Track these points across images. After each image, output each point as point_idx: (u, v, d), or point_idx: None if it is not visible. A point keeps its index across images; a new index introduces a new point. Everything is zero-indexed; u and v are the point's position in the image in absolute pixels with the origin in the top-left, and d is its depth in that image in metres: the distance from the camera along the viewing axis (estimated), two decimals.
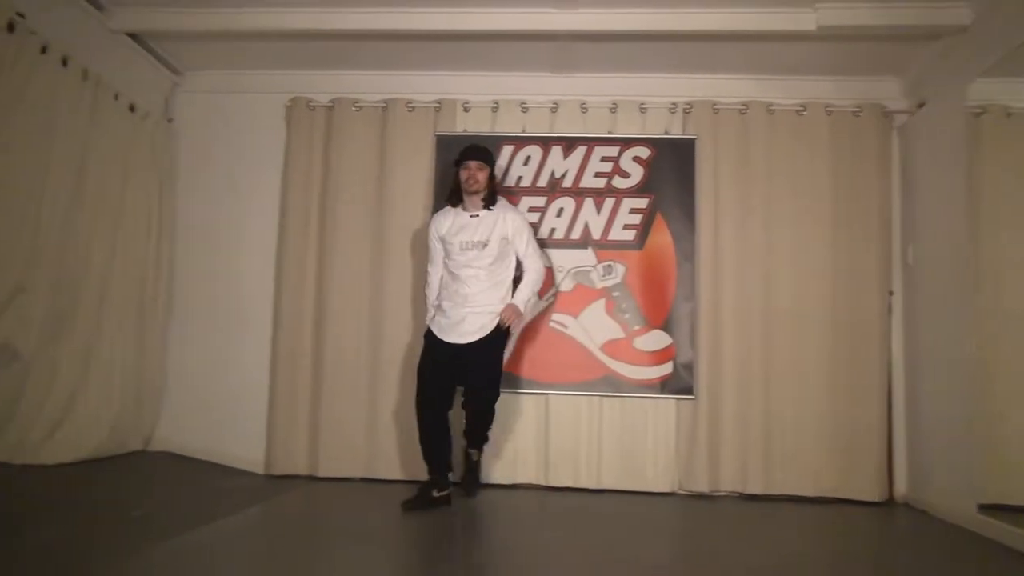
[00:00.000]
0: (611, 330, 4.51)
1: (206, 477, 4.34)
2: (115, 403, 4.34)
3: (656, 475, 4.43)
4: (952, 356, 3.90)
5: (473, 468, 4.17)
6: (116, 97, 4.34)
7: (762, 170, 4.55)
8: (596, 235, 4.58)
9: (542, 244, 4.52)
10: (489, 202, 3.97)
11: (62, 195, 3.93)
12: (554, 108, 4.70)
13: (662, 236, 4.56)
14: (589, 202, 4.61)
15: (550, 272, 4.51)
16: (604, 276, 4.56)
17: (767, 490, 4.34)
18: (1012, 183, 3.74)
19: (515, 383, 4.48)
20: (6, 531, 2.75)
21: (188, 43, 4.63)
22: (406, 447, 4.41)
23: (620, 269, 4.56)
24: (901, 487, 4.40)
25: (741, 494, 4.38)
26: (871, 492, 4.28)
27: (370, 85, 4.81)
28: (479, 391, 3.92)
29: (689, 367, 4.45)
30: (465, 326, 3.86)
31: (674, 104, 4.66)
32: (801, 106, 4.59)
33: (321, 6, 4.19)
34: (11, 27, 3.53)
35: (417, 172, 4.66)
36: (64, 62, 3.90)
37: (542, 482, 4.44)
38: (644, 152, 4.62)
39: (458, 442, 4.12)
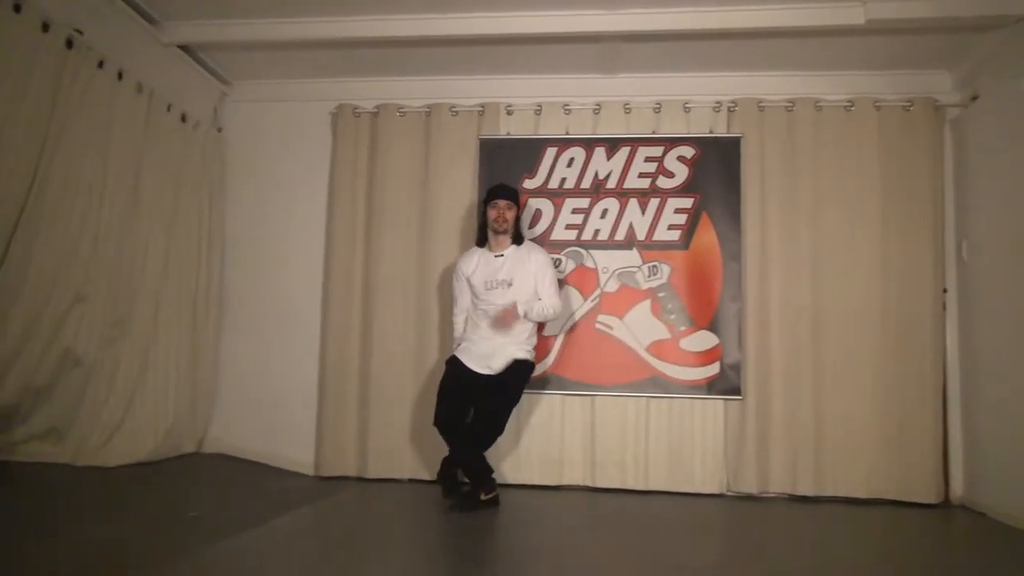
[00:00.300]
0: (657, 331, 4.49)
1: (258, 478, 4.43)
2: (170, 407, 4.46)
3: (704, 476, 4.39)
4: (1010, 354, 3.81)
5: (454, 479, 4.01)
6: (168, 108, 4.45)
7: (809, 167, 4.49)
8: (641, 236, 4.56)
9: (587, 246, 4.54)
10: (516, 241, 4.04)
11: (119, 205, 4.05)
12: (597, 109, 4.69)
13: (707, 236, 4.52)
14: (633, 203, 4.59)
15: (593, 274, 4.50)
16: (649, 277, 4.54)
17: (818, 491, 4.28)
18: None
19: (561, 384, 4.49)
20: (70, 530, 2.85)
21: (236, 54, 4.73)
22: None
23: (665, 269, 4.53)
24: (958, 488, 4.30)
25: (791, 495, 4.32)
26: (926, 494, 4.19)
27: (414, 90, 4.87)
28: (494, 415, 3.91)
29: (736, 367, 4.41)
30: (495, 359, 3.93)
31: (718, 103, 4.62)
32: (849, 102, 4.51)
33: (366, 14, 4.24)
34: (70, 43, 3.64)
35: (461, 176, 4.69)
36: (120, 76, 4.02)
37: (589, 483, 4.44)
38: (689, 152, 4.59)
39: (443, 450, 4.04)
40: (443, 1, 4.10)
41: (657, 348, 4.48)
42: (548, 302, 3.99)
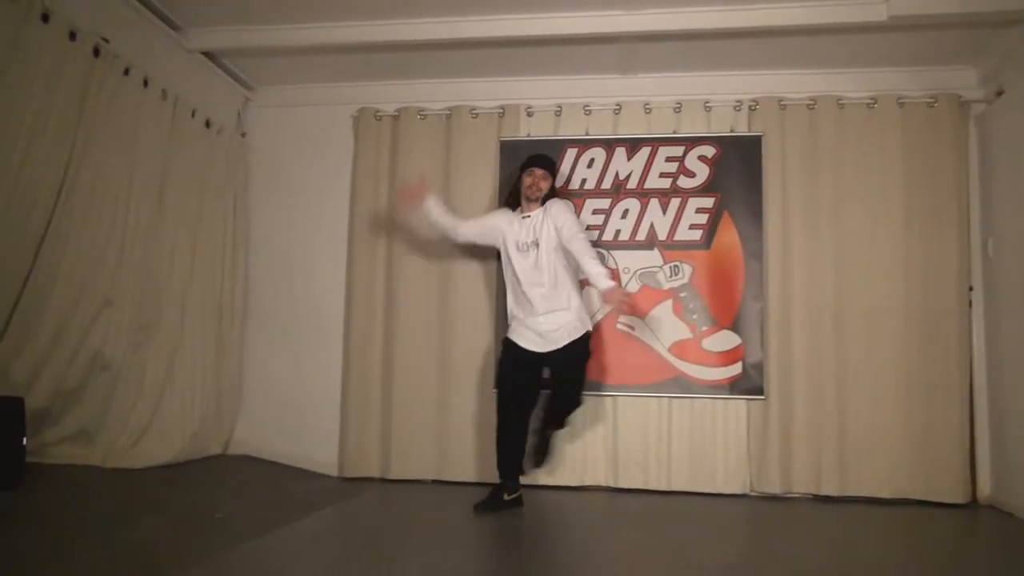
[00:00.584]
0: (679, 331, 4.48)
1: (282, 480, 4.47)
2: (197, 409, 4.51)
3: (727, 476, 4.38)
4: None
5: (545, 443, 4.02)
6: (193, 114, 4.51)
7: (831, 165, 4.46)
8: (662, 236, 4.56)
9: (608, 246, 4.56)
10: (541, 203, 3.99)
11: (145, 210, 4.11)
12: (617, 110, 4.69)
13: (729, 235, 4.51)
14: (654, 203, 4.59)
15: (615, 274, 4.50)
16: (671, 277, 4.53)
17: (842, 491, 4.25)
18: None
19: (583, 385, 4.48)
20: (99, 531, 2.89)
21: (259, 59, 4.78)
22: (476, 450, 4.48)
23: (687, 269, 4.52)
24: (985, 488, 4.25)
25: (815, 496, 4.30)
26: (952, 493, 4.15)
27: (434, 93, 4.90)
28: (567, 399, 3.93)
29: (759, 367, 4.39)
30: (544, 337, 3.86)
31: (739, 101, 4.60)
32: (872, 99, 4.48)
33: (387, 18, 4.27)
34: (96, 52, 3.71)
35: (482, 178, 4.71)
36: (145, 83, 4.08)
37: (611, 484, 4.44)
38: (709, 151, 4.58)
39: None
40: (463, 4, 4.12)
41: (679, 348, 4.47)
42: (586, 253, 3.73)
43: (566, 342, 3.83)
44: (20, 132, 3.32)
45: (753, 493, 4.36)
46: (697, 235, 4.53)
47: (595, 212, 4.60)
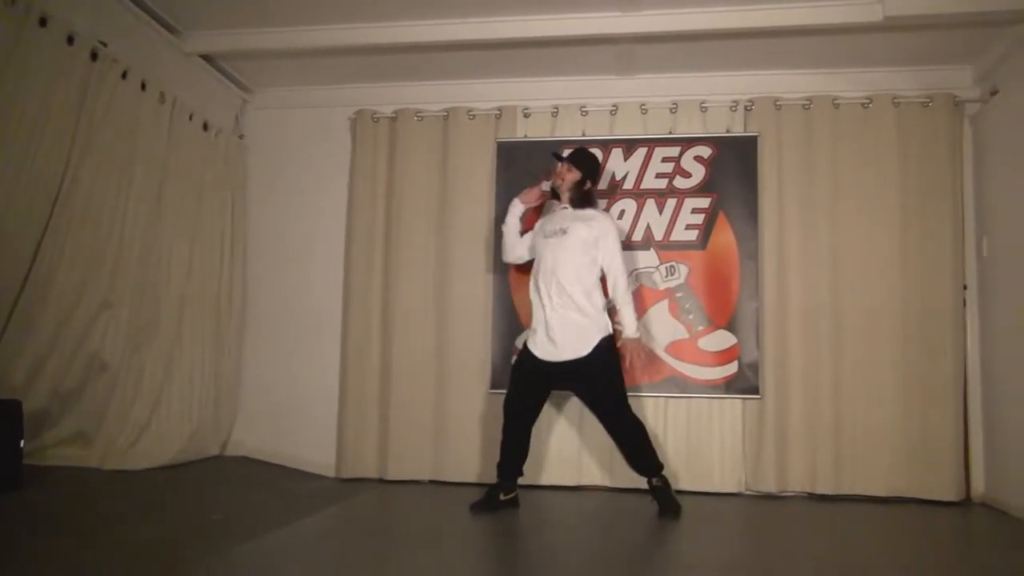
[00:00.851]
0: (675, 331, 4.50)
1: (280, 480, 4.49)
2: (195, 410, 4.53)
3: (723, 475, 4.40)
4: None
5: (662, 493, 3.82)
6: (191, 117, 4.53)
7: (827, 165, 4.48)
8: (658, 236, 4.57)
9: None
10: (577, 204, 3.97)
11: (143, 213, 4.13)
12: (613, 111, 4.71)
13: (725, 235, 4.53)
14: (651, 203, 4.60)
15: None
16: (667, 277, 4.55)
17: (837, 490, 4.27)
18: None
19: None
20: (98, 532, 2.91)
21: (257, 62, 4.80)
22: (473, 450, 4.50)
23: (683, 269, 4.54)
24: (979, 486, 4.27)
25: (810, 494, 4.32)
26: (947, 491, 4.17)
27: (431, 95, 4.91)
28: (610, 415, 3.84)
29: (754, 367, 4.41)
30: (555, 343, 3.76)
31: (735, 102, 4.62)
32: (867, 99, 4.50)
33: (383, 20, 4.28)
34: (94, 55, 3.73)
35: (479, 179, 4.72)
36: (143, 86, 4.10)
37: (607, 483, 4.46)
38: (706, 151, 4.60)
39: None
40: (460, 6, 4.13)
41: (675, 348, 4.49)
42: (621, 287, 3.81)
43: (580, 353, 3.74)
44: (18, 135, 3.35)
45: (748, 492, 4.38)
46: (693, 235, 4.55)
47: None
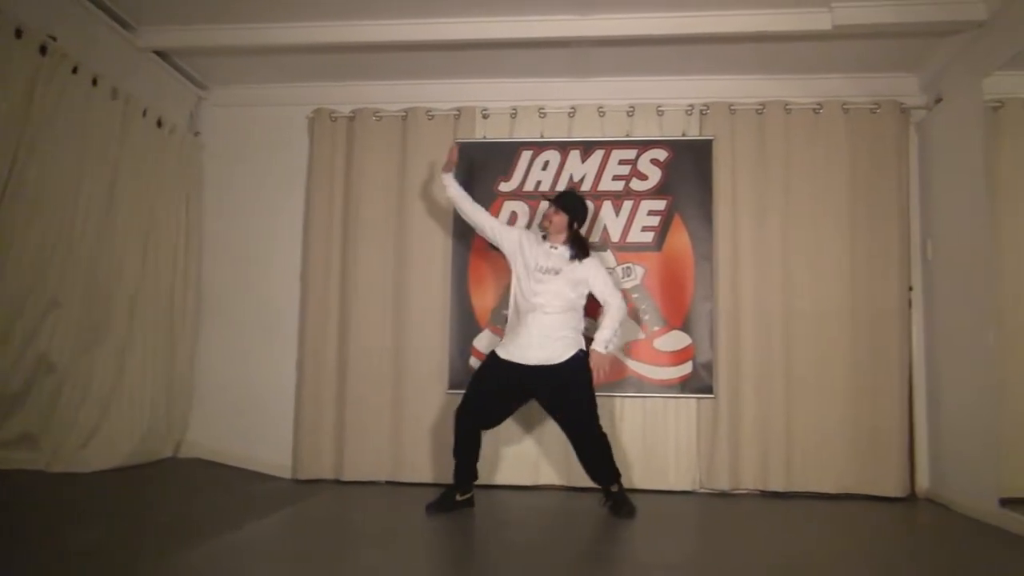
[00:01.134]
0: (631, 331, 4.55)
1: (235, 482, 4.44)
2: (147, 411, 4.46)
3: (678, 474, 4.46)
4: (972, 350, 3.90)
5: (618, 497, 3.86)
6: (144, 113, 4.46)
7: (779, 169, 4.58)
8: (615, 237, 4.62)
9: None
10: (572, 248, 3.91)
11: (94, 210, 4.05)
12: (572, 113, 4.75)
13: (680, 237, 4.59)
14: (608, 205, 4.65)
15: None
16: (624, 278, 4.59)
17: (788, 487, 4.36)
18: None
19: None
20: (44, 537, 2.85)
21: (213, 58, 4.74)
22: (430, 451, 4.50)
23: (639, 271, 4.60)
24: (923, 482, 4.40)
25: (762, 492, 4.40)
26: (893, 488, 4.29)
27: (390, 95, 4.90)
28: (579, 428, 3.85)
29: (708, 366, 4.48)
30: (532, 350, 3.78)
31: (691, 106, 4.69)
32: (818, 104, 4.60)
33: (342, 19, 4.27)
34: (43, 50, 3.65)
35: (438, 179, 4.70)
36: (95, 81, 4.02)
37: (564, 483, 4.49)
38: (662, 154, 4.66)
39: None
40: (416, 7, 4.13)
41: (632, 348, 4.54)
42: (615, 310, 3.84)
43: (553, 360, 3.77)
44: None
45: (702, 490, 4.45)
46: (649, 237, 4.61)
47: None
